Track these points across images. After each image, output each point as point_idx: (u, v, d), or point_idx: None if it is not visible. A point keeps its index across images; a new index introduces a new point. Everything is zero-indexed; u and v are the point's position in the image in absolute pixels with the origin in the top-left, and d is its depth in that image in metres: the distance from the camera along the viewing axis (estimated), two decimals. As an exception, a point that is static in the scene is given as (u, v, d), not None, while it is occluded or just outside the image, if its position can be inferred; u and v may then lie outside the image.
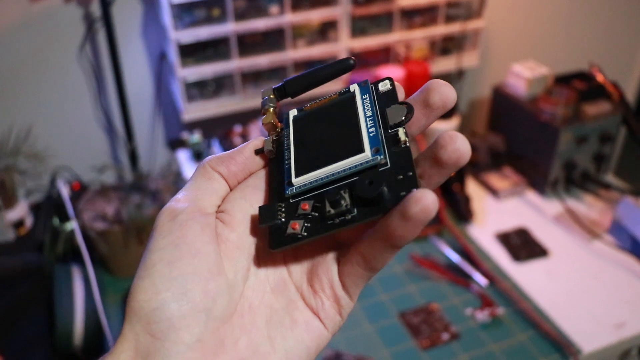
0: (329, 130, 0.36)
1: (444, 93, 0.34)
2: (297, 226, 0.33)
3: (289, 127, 0.37)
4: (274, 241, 0.33)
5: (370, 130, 0.34)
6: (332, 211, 0.32)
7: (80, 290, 1.04)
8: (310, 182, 0.34)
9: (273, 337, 0.33)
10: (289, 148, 0.36)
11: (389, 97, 0.36)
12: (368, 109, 0.35)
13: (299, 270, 0.35)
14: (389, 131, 0.34)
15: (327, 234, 0.32)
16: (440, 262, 1.19)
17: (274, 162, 0.36)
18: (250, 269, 0.34)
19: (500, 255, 1.21)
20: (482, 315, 1.06)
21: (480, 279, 1.13)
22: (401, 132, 0.33)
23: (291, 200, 0.34)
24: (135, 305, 0.30)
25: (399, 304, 1.09)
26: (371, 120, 0.35)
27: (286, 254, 0.36)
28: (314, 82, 0.38)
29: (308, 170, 0.34)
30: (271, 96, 0.38)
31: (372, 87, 0.37)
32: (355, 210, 0.32)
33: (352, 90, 0.37)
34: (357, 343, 1.02)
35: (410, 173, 0.31)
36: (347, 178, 0.33)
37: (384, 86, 0.36)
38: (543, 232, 1.27)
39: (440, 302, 1.10)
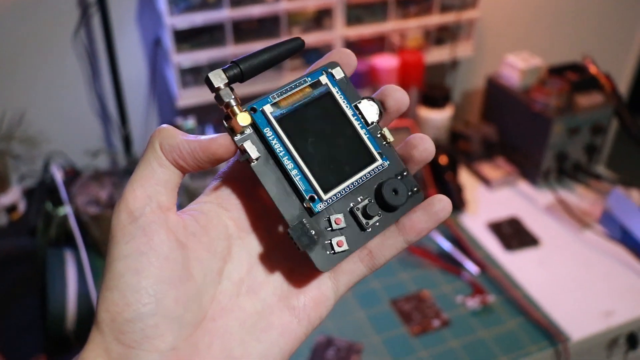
0: (327, 135, 0.35)
1: (398, 98, 0.37)
2: (343, 243, 0.33)
3: (270, 126, 0.34)
4: (322, 262, 0.33)
5: (365, 133, 0.36)
6: (368, 222, 0.34)
7: (72, 275, 1.04)
8: (337, 194, 0.34)
9: (247, 340, 0.33)
10: (289, 154, 0.34)
11: (349, 87, 0.37)
12: (348, 107, 0.36)
13: (277, 270, 0.35)
14: (369, 128, 0.36)
15: (364, 244, 0.35)
16: (432, 250, 1.19)
17: (263, 167, 0.33)
18: (223, 273, 0.34)
19: (491, 244, 1.22)
20: (472, 303, 1.07)
21: (471, 267, 1.14)
22: (387, 132, 0.37)
23: (315, 217, 0.34)
24: (105, 316, 0.30)
25: (391, 291, 1.10)
26: (357, 120, 0.36)
27: (263, 254, 0.35)
28: (267, 64, 0.35)
29: (334, 185, 0.34)
30: (227, 86, 0.33)
31: (331, 74, 0.37)
32: (382, 215, 0.35)
33: (323, 82, 0.36)
34: (348, 329, 1.03)
35: (406, 173, 0.36)
36: (364, 185, 0.35)
37: (338, 74, 0.37)
38: (534, 222, 1.28)
39: (431, 289, 1.10)
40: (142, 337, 0.29)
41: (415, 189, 0.36)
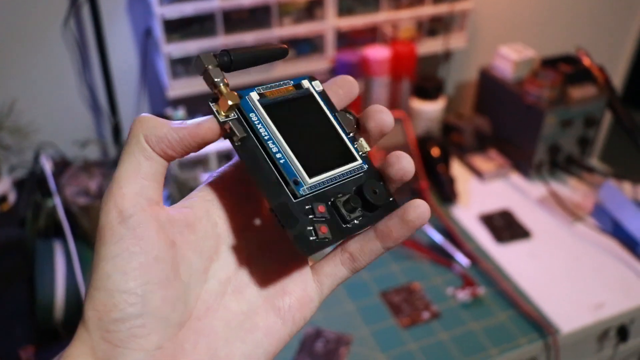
0: (310, 130, 0.36)
1: (379, 120, 0.36)
2: (325, 230, 0.33)
3: (256, 111, 0.34)
4: (306, 245, 0.32)
5: (346, 135, 0.36)
6: (350, 215, 0.34)
7: (61, 266, 1.03)
8: (319, 184, 0.34)
9: (231, 341, 0.32)
10: (274, 138, 0.34)
11: (328, 100, 0.38)
12: (329, 111, 0.37)
13: (263, 271, 0.35)
14: (347, 135, 0.37)
15: (345, 238, 0.35)
16: (423, 242, 1.19)
17: (248, 150, 0.33)
18: (209, 271, 0.34)
19: (483, 236, 1.21)
20: (463, 295, 1.07)
21: (462, 259, 1.14)
22: (364, 142, 0.37)
23: (298, 200, 0.33)
24: (92, 314, 0.29)
25: (381, 282, 1.10)
26: (337, 123, 0.37)
27: (250, 255, 0.35)
28: (254, 62, 0.36)
29: (319, 172, 0.34)
30: (217, 67, 0.33)
31: (312, 84, 0.38)
32: (363, 214, 0.35)
33: (305, 86, 0.37)
34: (337, 321, 1.02)
35: (382, 182, 0.36)
36: (345, 183, 0.35)
37: (317, 86, 0.38)
38: (526, 214, 1.28)
39: (421, 281, 1.10)
40: (129, 336, 0.29)
41: (390, 200, 0.36)
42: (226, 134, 0.33)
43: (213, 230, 0.34)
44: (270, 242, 0.36)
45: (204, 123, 0.32)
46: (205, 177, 0.36)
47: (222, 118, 0.33)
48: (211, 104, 0.33)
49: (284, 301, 0.34)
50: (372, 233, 0.35)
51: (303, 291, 0.35)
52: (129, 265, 0.29)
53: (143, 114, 0.32)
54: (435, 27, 1.43)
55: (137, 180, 0.31)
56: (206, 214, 0.34)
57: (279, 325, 0.34)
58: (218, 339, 0.32)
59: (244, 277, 0.34)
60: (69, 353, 0.30)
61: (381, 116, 0.35)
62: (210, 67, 0.33)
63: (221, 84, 0.33)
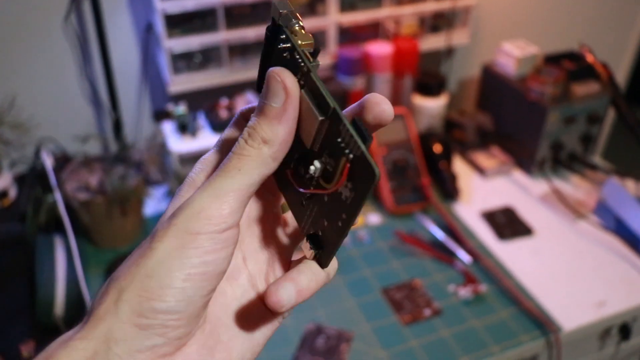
0: None
1: (378, 113, 0.32)
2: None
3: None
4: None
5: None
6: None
7: (62, 261, 1.03)
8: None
9: (231, 326, 0.33)
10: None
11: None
12: None
13: (254, 263, 0.36)
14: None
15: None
16: (425, 239, 1.19)
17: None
18: None
19: (485, 234, 1.21)
20: (464, 292, 1.06)
21: (464, 257, 1.13)
22: None
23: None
24: (133, 298, 0.29)
25: (382, 279, 1.09)
26: None
27: (242, 242, 0.36)
28: None
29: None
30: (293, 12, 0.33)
31: None
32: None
33: None
34: (338, 317, 1.02)
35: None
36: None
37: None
38: (528, 212, 1.27)
39: (423, 278, 1.10)
40: (160, 325, 0.29)
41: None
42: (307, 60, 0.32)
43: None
44: (263, 235, 0.37)
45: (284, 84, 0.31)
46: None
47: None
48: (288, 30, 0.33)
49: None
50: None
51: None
52: (194, 272, 0.29)
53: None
54: (437, 23, 1.43)
55: (242, 197, 0.31)
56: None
57: (269, 313, 0.34)
58: (221, 325, 0.33)
59: (237, 263, 0.35)
60: (79, 335, 0.29)
61: (380, 108, 0.32)
62: (284, 11, 0.33)
63: (296, 26, 0.33)
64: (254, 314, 0.34)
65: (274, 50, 0.34)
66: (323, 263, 0.33)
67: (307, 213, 0.33)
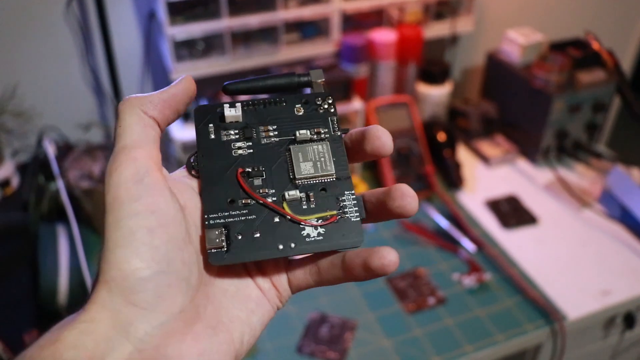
0: None
1: (377, 145, 0.34)
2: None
3: None
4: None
5: None
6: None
7: (65, 249, 1.03)
8: None
9: (231, 307, 0.33)
10: None
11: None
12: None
13: None
14: None
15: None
16: (429, 227, 1.18)
17: None
18: None
19: (489, 222, 1.20)
20: (469, 281, 1.06)
21: (468, 245, 1.13)
22: None
23: None
24: (116, 274, 0.29)
25: (386, 268, 1.09)
26: None
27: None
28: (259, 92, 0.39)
29: None
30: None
31: None
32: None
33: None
34: (342, 306, 1.02)
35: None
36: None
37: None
38: (533, 200, 1.26)
39: (427, 266, 1.09)
40: (155, 297, 0.29)
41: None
42: None
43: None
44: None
45: (180, 81, 0.35)
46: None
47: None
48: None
49: (263, 281, 0.35)
50: (340, 259, 0.34)
51: (278, 280, 0.36)
52: (152, 224, 0.29)
53: (131, 96, 0.34)
54: (442, 10, 1.41)
55: (144, 145, 0.32)
56: (182, 179, 0.35)
57: (265, 300, 0.35)
58: (221, 306, 0.33)
59: None
60: (85, 317, 0.28)
61: (380, 142, 0.34)
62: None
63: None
64: (252, 298, 0.34)
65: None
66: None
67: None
